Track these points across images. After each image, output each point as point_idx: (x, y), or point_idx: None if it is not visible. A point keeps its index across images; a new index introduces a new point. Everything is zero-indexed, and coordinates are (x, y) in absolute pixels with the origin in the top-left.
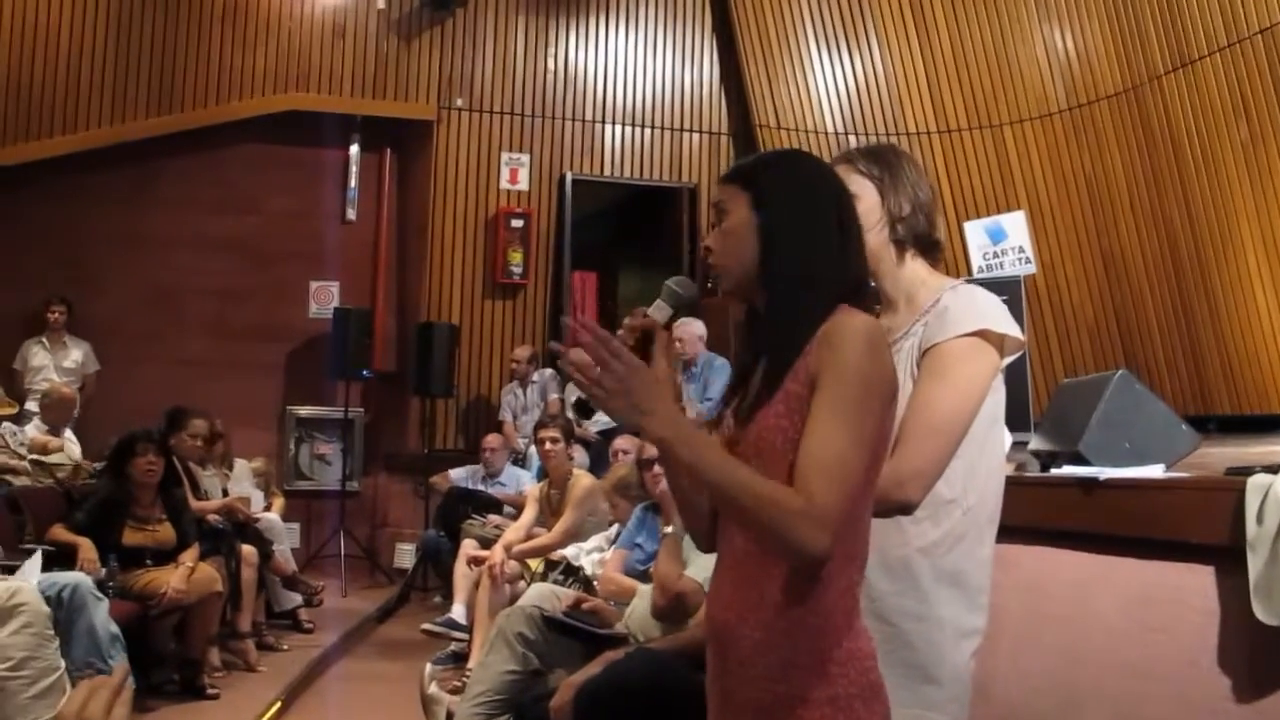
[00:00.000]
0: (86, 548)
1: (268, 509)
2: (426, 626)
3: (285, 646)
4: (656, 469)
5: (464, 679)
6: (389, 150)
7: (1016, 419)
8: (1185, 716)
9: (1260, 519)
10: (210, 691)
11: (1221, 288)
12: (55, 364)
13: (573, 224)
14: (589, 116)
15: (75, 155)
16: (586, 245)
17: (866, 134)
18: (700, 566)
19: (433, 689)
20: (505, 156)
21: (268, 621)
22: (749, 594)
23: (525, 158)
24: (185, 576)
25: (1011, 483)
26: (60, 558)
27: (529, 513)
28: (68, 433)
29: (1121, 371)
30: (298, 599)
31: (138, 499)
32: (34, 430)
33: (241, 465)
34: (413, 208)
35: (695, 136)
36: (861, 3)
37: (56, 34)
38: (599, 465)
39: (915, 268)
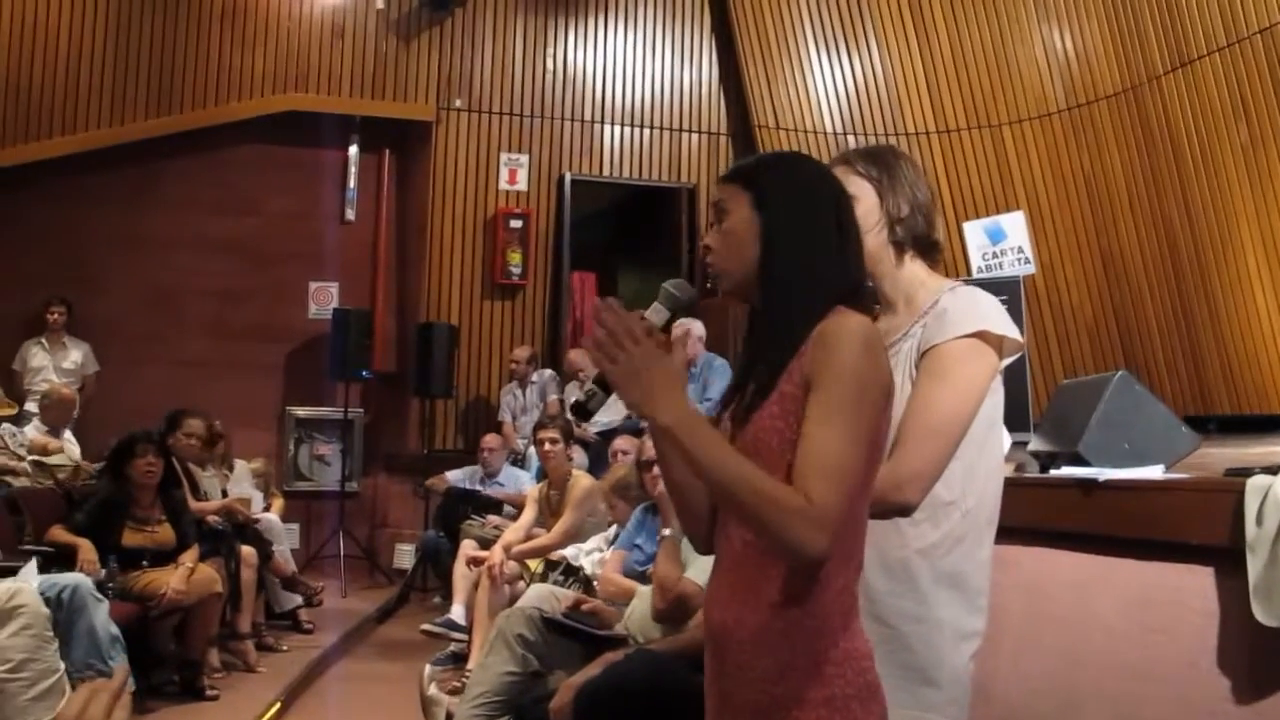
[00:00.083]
0: (86, 549)
1: (267, 510)
2: (426, 627)
3: (285, 647)
4: (655, 470)
5: (463, 680)
6: (388, 151)
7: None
8: (1185, 718)
9: (1260, 520)
10: (210, 692)
11: (1221, 288)
12: (55, 365)
13: (572, 224)
14: (588, 117)
15: (75, 156)
16: (585, 245)
17: (865, 134)
18: (699, 568)
19: (432, 690)
20: (504, 157)
21: (267, 622)
22: (746, 595)
23: (524, 158)
24: (185, 577)
25: (1011, 484)
26: (60, 559)
27: (528, 513)
28: (67, 434)
29: (1121, 372)
30: (297, 600)
31: (137, 500)
32: (33, 431)
33: (241, 466)
34: (412, 208)
35: (694, 137)
36: (860, 3)
37: (56, 35)
38: (598, 466)
39: (914, 269)
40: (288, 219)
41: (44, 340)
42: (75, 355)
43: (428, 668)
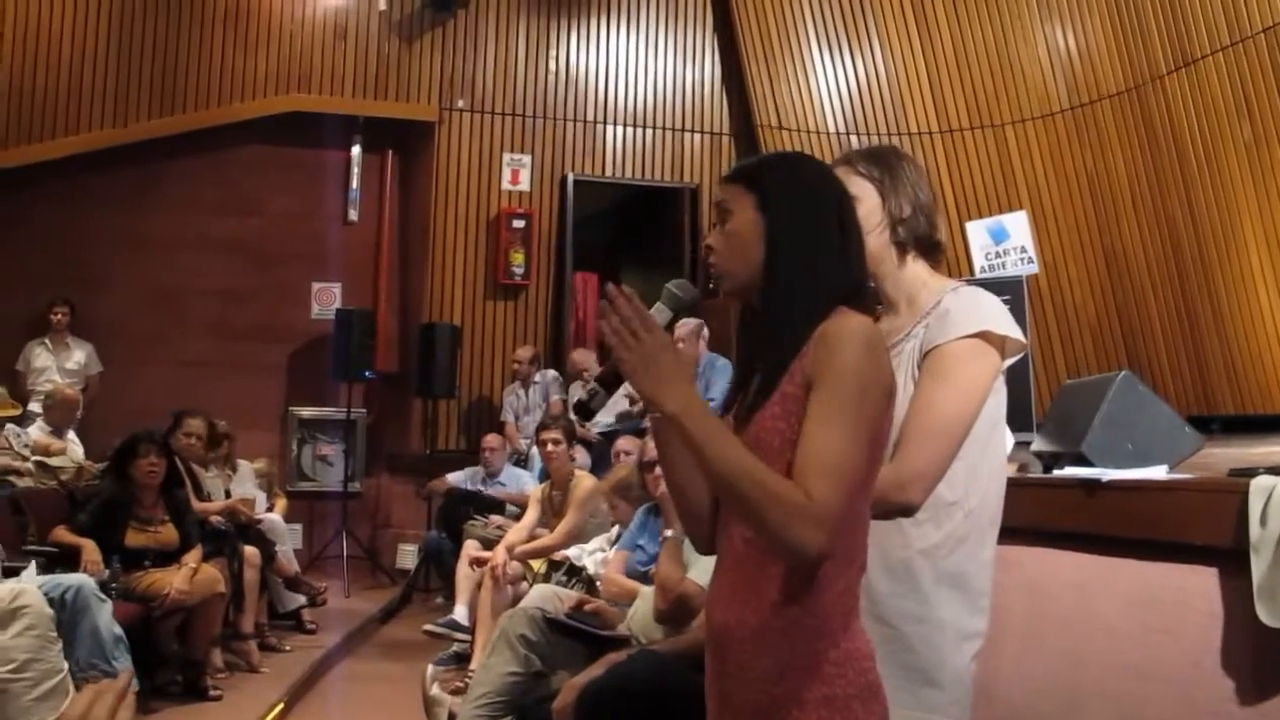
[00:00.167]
0: (89, 549)
1: (270, 510)
2: (428, 627)
3: (288, 647)
4: (657, 471)
5: (466, 680)
6: (391, 151)
7: (1019, 419)
8: (1188, 718)
9: (1264, 521)
10: (213, 693)
11: (1225, 287)
12: (58, 365)
13: (574, 225)
14: (590, 117)
15: (78, 157)
16: (588, 246)
17: (868, 134)
18: (701, 569)
19: (434, 690)
20: (507, 157)
21: (270, 622)
22: (747, 596)
23: (527, 158)
24: (188, 578)
25: (1014, 484)
26: (63, 559)
27: (531, 514)
28: (70, 434)
29: (1124, 372)
30: (301, 600)
31: (140, 500)
32: (37, 432)
33: (245, 466)
34: (414, 209)
35: (696, 137)
36: (863, 2)
37: (59, 37)
38: (601, 466)
39: (916, 269)
40: (290, 219)
41: (47, 341)
42: (79, 356)
43: (430, 668)
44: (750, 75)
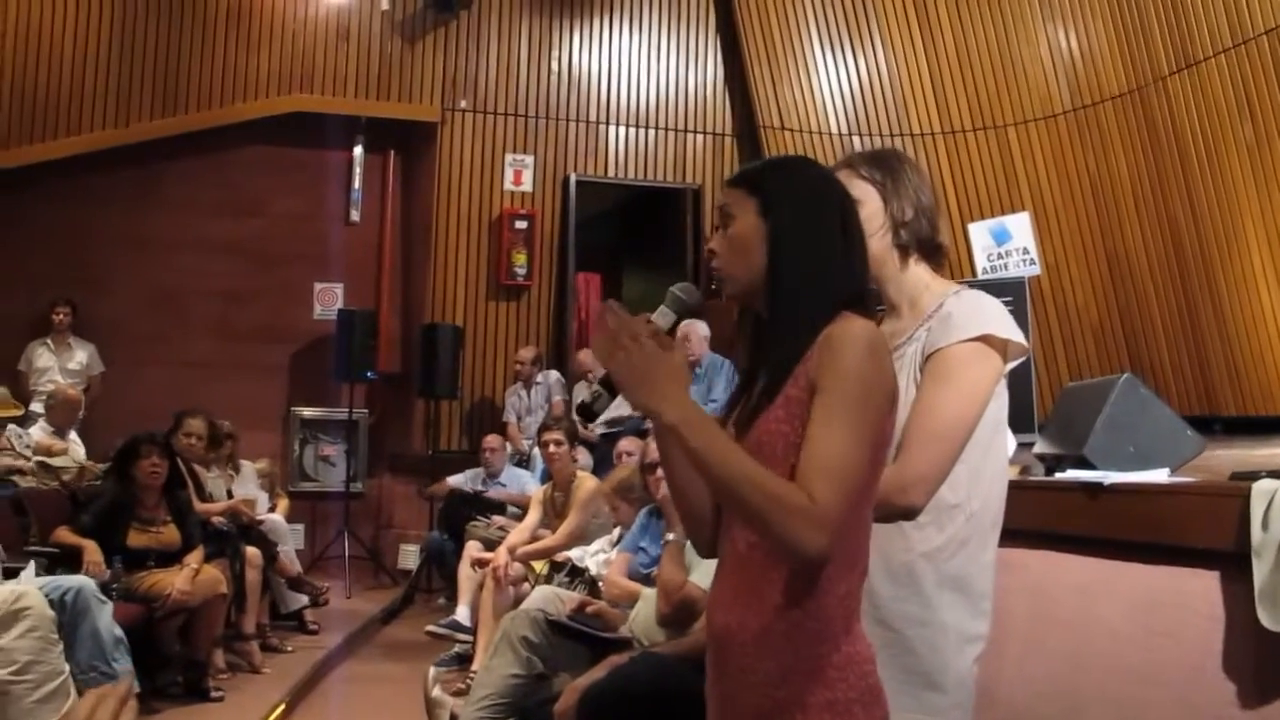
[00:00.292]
0: (91, 550)
1: (272, 510)
2: (431, 628)
3: (290, 648)
4: (659, 473)
5: (468, 681)
6: (393, 152)
7: (1021, 420)
8: None
9: (1265, 525)
10: (215, 693)
11: (1227, 289)
12: (60, 365)
13: (577, 225)
14: (593, 117)
15: (80, 157)
16: (591, 246)
17: (871, 135)
18: (704, 572)
19: (436, 692)
20: (509, 158)
21: (272, 623)
22: (749, 599)
23: (529, 159)
24: (190, 578)
25: (1016, 486)
26: (65, 560)
27: (533, 515)
28: (72, 434)
29: (1126, 375)
30: (303, 600)
31: (142, 501)
32: (39, 432)
33: (247, 467)
34: (417, 209)
35: (699, 137)
36: (866, 4)
37: (60, 36)
38: (603, 467)
39: (918, 272)
40: (293, 220)
41: (49, 341)
42: (80, 356)
43: (432, 669)
44: (753, 76)
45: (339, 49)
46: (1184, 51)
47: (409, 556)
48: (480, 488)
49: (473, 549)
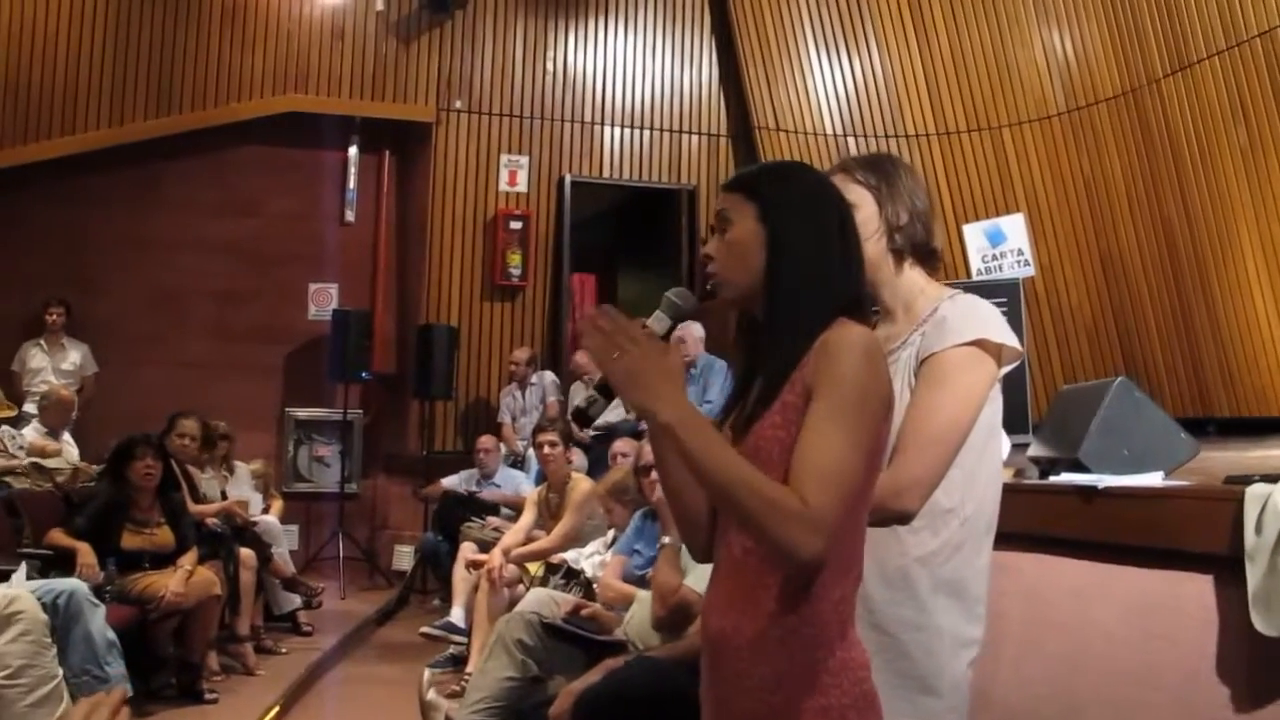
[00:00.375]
0: (85, 552)
1: (266, 511)
2: (425, 630)
3: (284, 650)
4: (653, 475)
5: (463, 683)
6: (388, 152)
7: (1015, 421)
8: None
9: (1259, 529)
10: (209, 696)
11: (1220, 290)
12: (53, 366)
13: (572, 226)
14: (588, 118)
15: (74, 157)
16: (585, 247)
17: (865, 136)
18: (699, 576)
19: (431, 695)
20: (504, 158)
21: (266, 625)
22: (744, 604)
23: (524, 159)
24: (184, 580)
25: (1011, 490)
26: (59, 562)
27: (527, 516)
28: (66, 436)
29: (1121, 378)
30: (297, 601)
31: (136, 502)
32: (32, 433)
33: (241, 468)
34: (412, 210)
35: (694, 138)
36: (860, 5)
37: (55, 35)
38: (598, 468)
39: (913, 276)
40: (288, 220)
41: (43, 341)
42: (74, 356)
43: (427, 671)
44: (748, 77)
45: (334, 49)
46: (1178, 54)
47: (404, 558)
48: (474, 489)
49: (467, 550)
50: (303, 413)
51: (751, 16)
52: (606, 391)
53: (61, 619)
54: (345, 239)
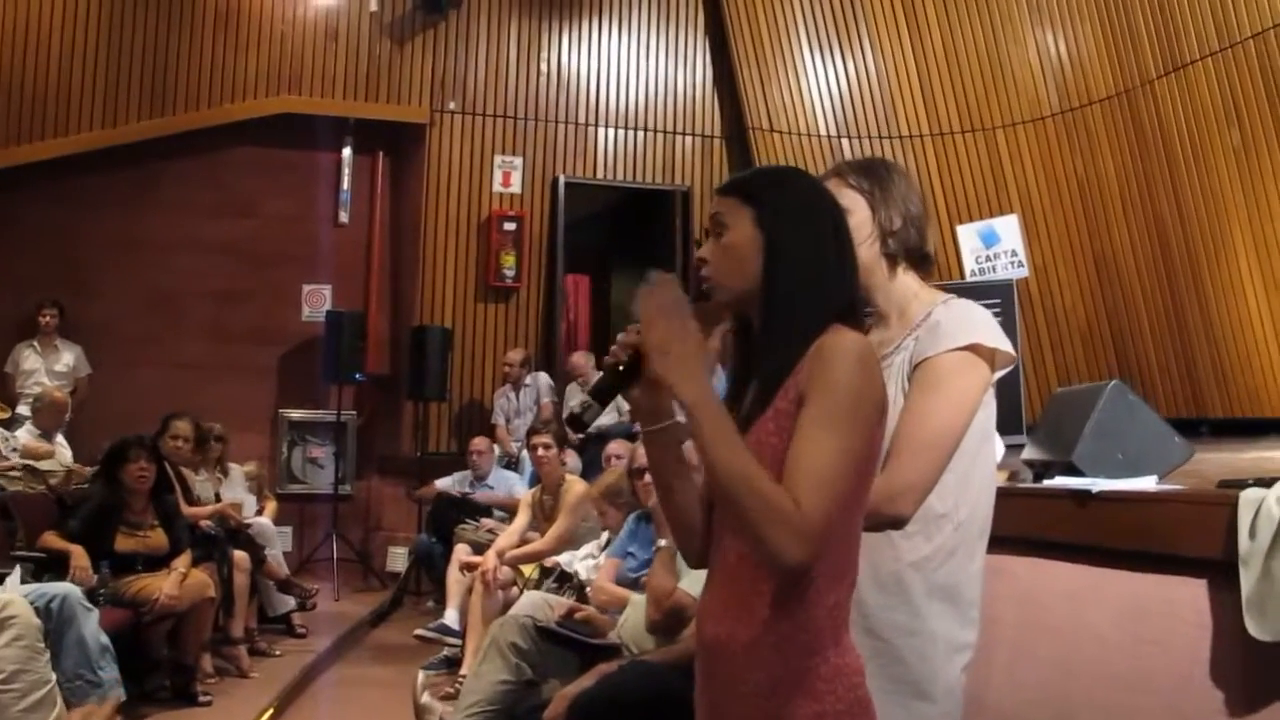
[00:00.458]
0: (78, 555)
1: (259, 513)
2: (419, 632)
3: (278, 652)
4: (646, 478)
5: (457, 685)
6: (382, 153)
7: (1009, 422)
8: None
9: (1253, 534)
10: (203, 698)
11: (1214, 291)
12: (46, 367)
13: (565, 227)
14: (581, 119)
15: (68, 158)
16: (579, 248)
17: (859, 137)
18: (694, 579)
19: (425, 698)
20: (498, 159)
21: (260, 627)
22: (739, 610)
23: (518, 160)
24: (177, 583)
25: (1005, 493)
26: (52, 565)
27: (522, 518)
28: (59, 438)
29: (1114, 382)
30: (291, 603)
31: (130, 505)
32: (26, 435)
33: (235, 470)
34: (405, 211)
35: (688, 139)
36: (854, 5)
37: (48, 36)
38: (592, 471)
39: (907, 281)
40: (282, 221)
41: (36, 343)
42: (67, 358)
43: (421, 673)
44: (741, 78)
45: (328, 50)
46: (1171, 55)
47: (398, 559)
48: (468, 490)
49: (461, 552)
50: (296, 414)
51: (745, 17)
52: (601, 396)
53: (55, 623)
54: (339, 240)
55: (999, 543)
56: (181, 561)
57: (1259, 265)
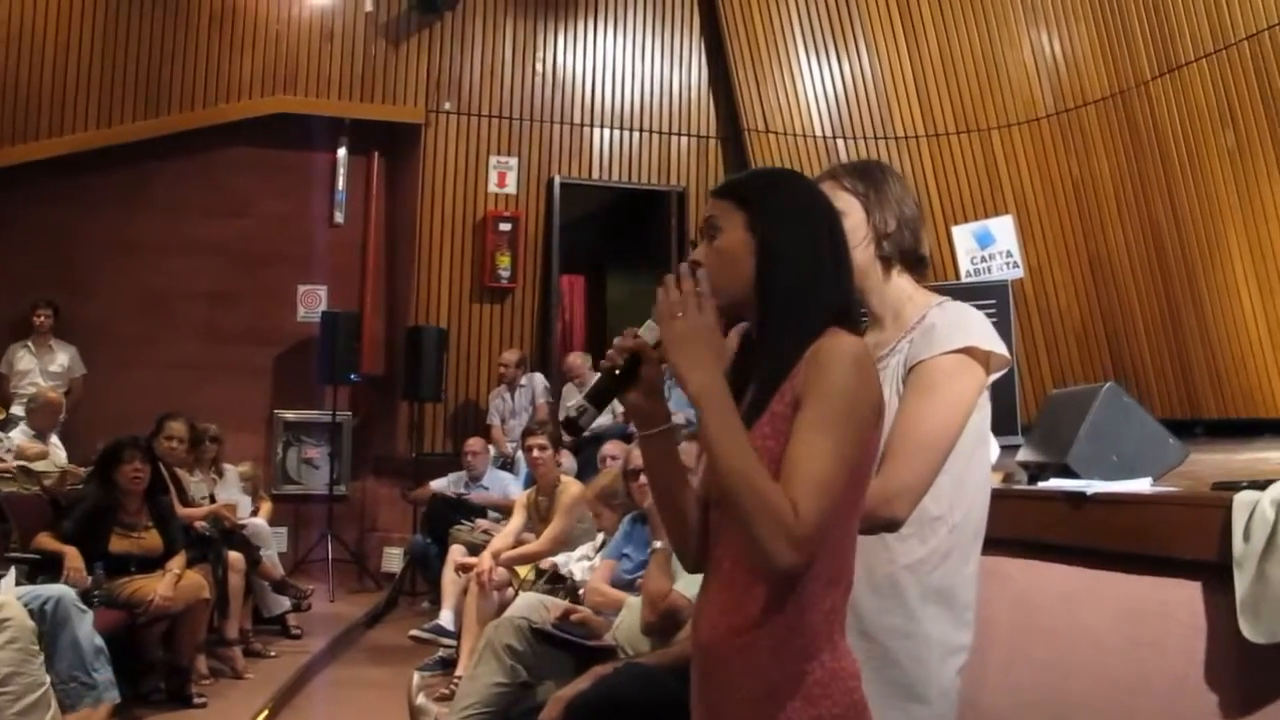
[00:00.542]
0: (73, 556)
1: (254, 514)
2: (414, 633)
3: (273, 653)
4: (642, 479)
5: (452, 686)
6: (377, 153)
7: (1003, 423)
8: None
9: (1247, 536)
10: (198, 700)
11: (1209, 292)
12: (41, 368)
13: (561, 227)
14: (577, 119)
15: (63, 158)
16: (575, 248)
17: (854, 138)
18: (689, 581)
19: (420, 699)
20: (493, 160)
21: (255, 628)
22: (734, 613)
23: (513, 161)
24: (172, 584)
25: (1000, 495)
26: (46, 566)
27: (517, 519)
28: (53, 438)
29: (1110, 384)
30: (286, 604)
31: (124, 506)
32: (20, 436)
33: (230, 471)
34: (401, 211)
35: (683, 140)
36: (850, 7)
37: (44, 36)
38: (587, 472)
39: (901, 284)
40: (277, 221)
41: (30, 343)
42: (62, 358)
43: (416, 674)
44: (737, 79)
45: (323, 50)
46: (1166, 56)
47: (393, 560)
48: (463, 491)
49: (456, 553)
50: (291, 415)
51: (741, 18)
52: (597, 401)
53: (49, 625)
54: (334, 240)
55: (994, 545)
56: (176, 563)
57: (1253, 266)
